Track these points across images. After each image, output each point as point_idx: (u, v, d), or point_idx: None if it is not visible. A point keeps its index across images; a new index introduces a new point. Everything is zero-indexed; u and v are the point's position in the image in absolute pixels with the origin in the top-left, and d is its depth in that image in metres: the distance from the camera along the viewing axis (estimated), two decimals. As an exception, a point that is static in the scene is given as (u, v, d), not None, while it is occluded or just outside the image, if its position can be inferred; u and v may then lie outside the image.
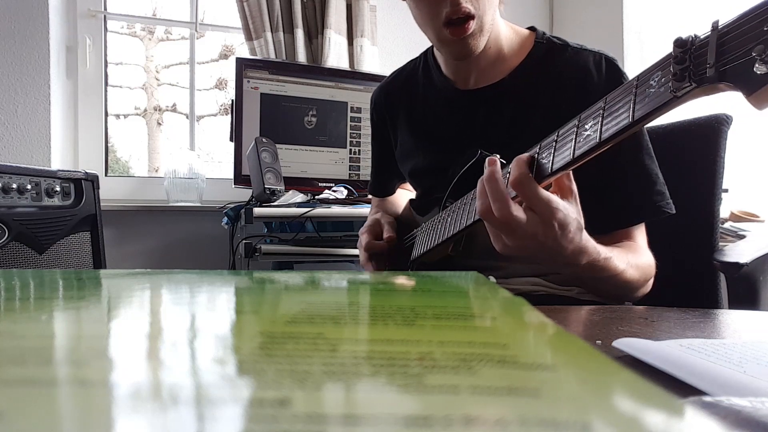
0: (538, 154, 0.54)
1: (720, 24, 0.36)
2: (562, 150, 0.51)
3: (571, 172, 0.55)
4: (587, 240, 0.58)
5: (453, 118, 0.83)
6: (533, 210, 0.53)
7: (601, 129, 0.46)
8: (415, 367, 0.13)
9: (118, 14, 2.03)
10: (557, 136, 0.52)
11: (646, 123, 0.44)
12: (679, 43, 0.39)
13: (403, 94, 0.91)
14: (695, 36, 0.38)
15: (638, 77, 0.44)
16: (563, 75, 0.75)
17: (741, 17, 0.35)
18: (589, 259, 0.59)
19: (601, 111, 0.47)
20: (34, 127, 1.76)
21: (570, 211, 0.54)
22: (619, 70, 0.74)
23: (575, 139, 0.49)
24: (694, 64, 0.38)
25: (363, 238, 0.88)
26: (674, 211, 0.70)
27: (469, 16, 0.69)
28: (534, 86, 0.76)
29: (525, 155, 0.54)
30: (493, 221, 0.55)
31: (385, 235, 0.86)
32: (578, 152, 0.49)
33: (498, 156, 0.67)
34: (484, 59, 0.77)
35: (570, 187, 0.56)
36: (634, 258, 0.66)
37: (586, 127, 0.49)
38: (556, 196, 0.54)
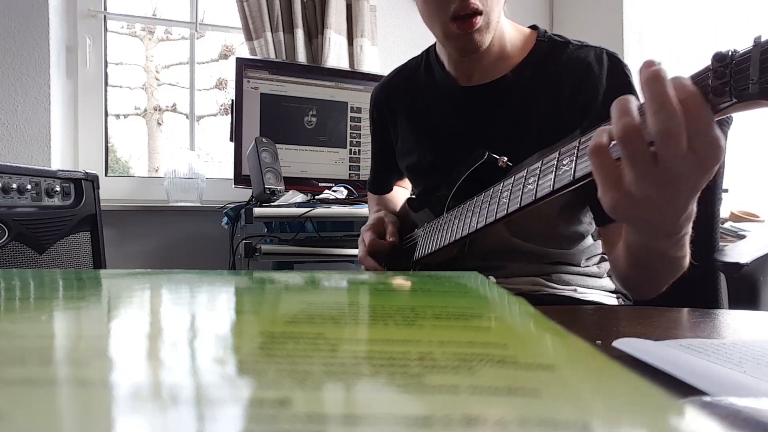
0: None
1: (762, 39, 0.36)
2: (584, 159, 0.48)
3: None
4: None
5: (455, 114, 0.83)
6: (695, 149, 0.40)
7: None
8: (415, 367, 0.13)
9: (118, 14, 2.03)
10: (579, 143, 0.49)
11: None
12: (718, 57, 0.38)
13: (404, 91, 0.91)
14: (735, 51, 0.38)
15: None
16: (565, 72, 0.75)
17: None
18: (688, 230, 0.50)
19: None
20: (34, 127, 1.76)
21: None
22: (620, 62, 0.75)
23: None
24: (735, 79, 0.37)
25: (366, 235, 0.88)
26: None
27: (477, 12, 0.69)
28: (536, 83, 0.76)
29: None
30: (636, 147, 0.41)
31: (389, 237, 0.86)
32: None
33: (506, 158, 0.67)
34: (487, 56, 0.78)
35: None
36: None
37: None
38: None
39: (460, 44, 0.73)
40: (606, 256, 0.81)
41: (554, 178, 0.51)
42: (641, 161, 0.41)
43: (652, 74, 0.40)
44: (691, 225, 0.50)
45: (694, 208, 0.47)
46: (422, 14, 0.76)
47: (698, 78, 0.40)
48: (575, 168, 0.49)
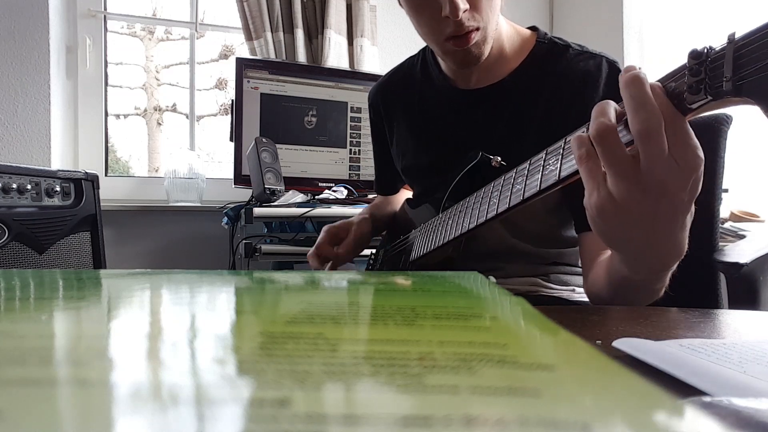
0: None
1: (736, 36, 0.36)
2: (569, 158, 0.48)
3: None
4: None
5: (452, 117, 0.82)
6: (674, 154, 0.40)
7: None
8: (415, 367, 0.13)
9: (118, 14, 2.03)
10: (564, 142, 0.50)
11: None
12: (694, 55, 0.38)
13: (400, 91, 0.90)
14: (710, 48, 0.37)
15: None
16: (563, 77, 0.74)
17: (758, 30, 0.34)
18: (673, 266, 0.49)
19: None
20: (34, 127, 1.76)
21: None
22: (619, 71, 0.74)
23: None
24: (710, 76, 0.37)
25: (322, 235, 0.88)
26: None
27: (473, 30, 0.68)
28: (534, 87, 0.76)
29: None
30: (611, 144, 0.41)
31: (341, 249, 0.86)
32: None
33: (500, 158, 0.67)
34: (484, 59, 0.77)
35: None
36: None
37: None
38: None
39: (459, 59, 0.72)
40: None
41: (541, 178, 0.51)
42: (618, 160, 0.41)
43: (631, 77, 0.40)
44: (676, 263, 0.48)
45: (683, 243, 0.46)
46: (416, 29, 0.75)
47: (675, 76, 0.40)
48: (561, 167, 0.49)
